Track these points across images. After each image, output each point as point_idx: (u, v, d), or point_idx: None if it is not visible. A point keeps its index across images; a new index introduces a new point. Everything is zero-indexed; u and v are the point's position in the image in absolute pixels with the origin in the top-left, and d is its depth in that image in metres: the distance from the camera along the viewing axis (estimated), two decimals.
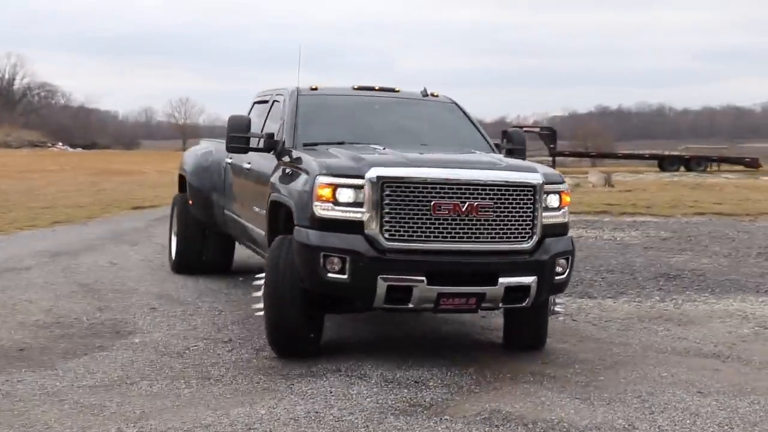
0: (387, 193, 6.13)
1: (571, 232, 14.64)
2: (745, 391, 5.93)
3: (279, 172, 7.12)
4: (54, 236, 13.47)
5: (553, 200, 6.57)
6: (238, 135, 7.53)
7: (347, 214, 6.18)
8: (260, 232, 7.61)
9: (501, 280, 6.23)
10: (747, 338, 7.61)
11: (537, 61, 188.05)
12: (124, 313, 8.01)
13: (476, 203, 6.20)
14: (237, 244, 9.95)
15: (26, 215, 16.37)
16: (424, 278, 6.10)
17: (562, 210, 6.64)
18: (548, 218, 6.49)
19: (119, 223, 15.66)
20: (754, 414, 5.48)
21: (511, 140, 8.04)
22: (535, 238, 6.39)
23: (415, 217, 6.15)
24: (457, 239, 6.20)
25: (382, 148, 7.04)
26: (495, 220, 6.28)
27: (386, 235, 6.13)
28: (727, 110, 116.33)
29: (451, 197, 6.17)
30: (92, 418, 5.16)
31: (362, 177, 6.16)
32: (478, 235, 6.25)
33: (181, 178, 10.43)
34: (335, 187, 6.20)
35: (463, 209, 6.17)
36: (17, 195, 21.43)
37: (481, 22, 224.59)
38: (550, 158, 46.69)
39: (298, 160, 6.85)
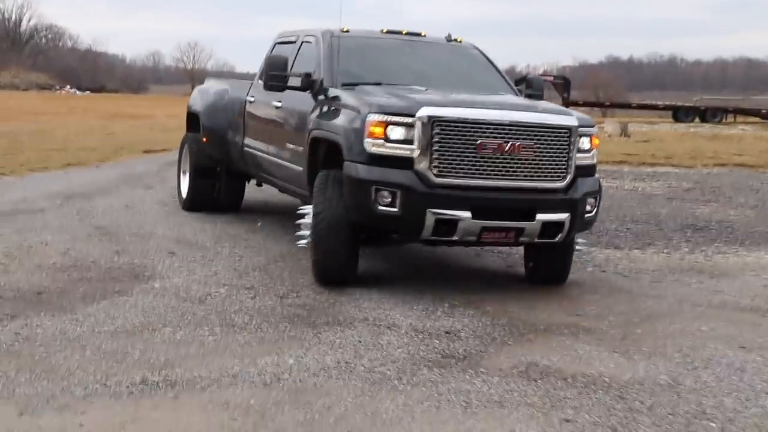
0: (437, 131, 6.47)
1: None
2: None
3: (319, 110, 7.44)
4: (67, 178, 13.24)
5: (585, 143, 6.96)
6: (277, 73, 7.93)
7: (398, 151, 6.52)
8: (296, 167, 7.88)
9: (538, 216, 6.65)
10: None
11: (546, 10, 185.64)
12: (142, 258, 7.81)
13: (518, 143, 6.56)
14: (248, 183, 10.35)
15: (37, 157, 16.14)
16: (469, 212, 6.49)
17: (593, 152, 7.05)
18: (580, 159, 6.89)
19: (132, 166, 15.42)
20: None
21: (531, 86, 8.41)
22: (569, 177, 6.79)
23: (462, 154, 6.51)
24: (499, 177, 6.58)
25: (424, 88, 7.41)
26: (534, 160, 6.64)
27: (435, 171, 6.48)
28: (739, 62, 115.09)
29: (496, 137, 6.53)
30: (116, 365, 4.98)
31: (413, 116, 6.48)
32: (518, 173, 6.61)
33: (192, 117, 10.56)
34: (387, 124, 6.52)
35: (506, 148, 6.54)
36: (27, 137, 21.18)
37: None
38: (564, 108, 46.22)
39: (344, 98, 7.15)
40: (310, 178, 7.35)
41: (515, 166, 6.59)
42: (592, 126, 7.11)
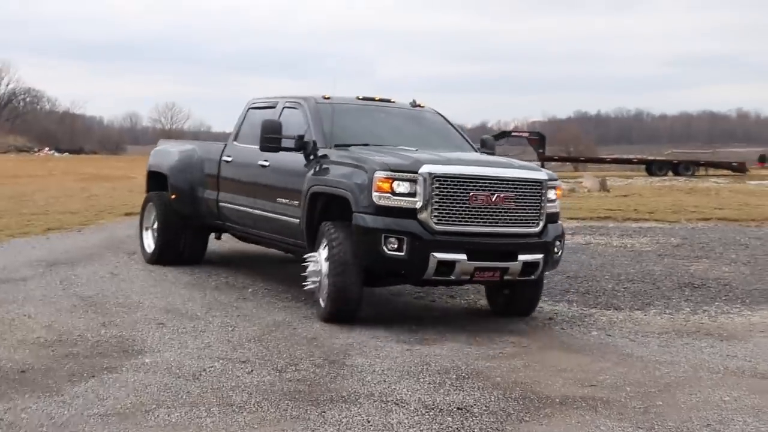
0: (436, 185, 7.39)
1: (578, 239, 14.20)
2: None
3: (316, 168, 8.27)
4: (49, 244, 12.76)
5: (551, 194, 8.00)
6: (273, 136, 8.63)
7: (402, 203, 7.40)
8: (290, 219, 8.60)
9: (520, 257, 7.64)
10: None
11: (516, 67, 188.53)
12: (130, 330, 7.36)
13: (502, 195, 7.56)
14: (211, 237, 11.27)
15: (18, 221, 15.64)
16: (465, 255, 7.40)
17: (557, 201, 8.12)
18: (549, 208, 7.93)
19: (114, 230, 14.94)
20: None
21: (485, 145, 9.64)
22: (541, 223, 7.83)
23: (457, 205, 7.45)
24: (487, 224, 7.56)
25: (414, 149, 8.36)
26: (515, 209, 7.65)
27: (435, 220, 7.40)
28: (703, 115, 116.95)
29: (484, 190, 7.52)
30: None
31: (416, 172, 7.39)
32: (502, 221, 7.62)
33: (156, 176, 11.25)
34: (393, 180, 7.40)
35: (493, 200, 7.53)
36: (6, 200, 20.66)
37: (460, 29, 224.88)
38: (539, 162, 46.33)
39: (344, 157, 8.02)
40: (309, 228, 8.17)
41: (500, 214, 7.58)
42: (557, 180, 8.21)
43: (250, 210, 9.50)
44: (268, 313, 8.21)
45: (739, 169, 46.63)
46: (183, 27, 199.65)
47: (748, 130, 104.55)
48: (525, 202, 7.70)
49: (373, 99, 9.65)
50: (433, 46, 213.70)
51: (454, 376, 6.21)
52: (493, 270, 7.57)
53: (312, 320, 7.94)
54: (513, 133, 51.17)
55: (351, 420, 5.23)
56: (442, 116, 9.92)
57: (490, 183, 7.54)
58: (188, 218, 10.69)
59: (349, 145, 8.43)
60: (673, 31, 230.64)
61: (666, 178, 42.55)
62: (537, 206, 7.76)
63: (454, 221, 7.42)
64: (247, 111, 10.28)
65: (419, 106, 9.93)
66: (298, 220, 8.42)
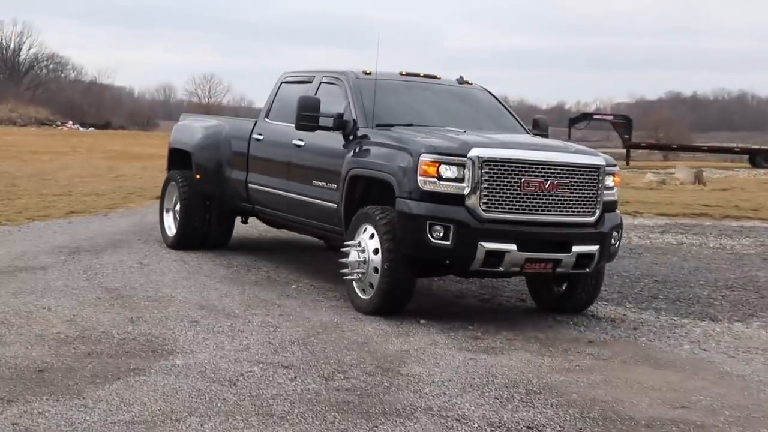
0: (486, 170, 7.61)
1: (669, 238, 14.08)
2: None
3: (356, 150, 8.56)
4: (71, 229, 13.02)
5: (609, 180, 8.22)
6: (310, 114, 8.86)
7: (449, 189, 7.63)
8: (327, 204, 8.94)
9: (574, 248, 7.87)
10: None
11: (600, 41, 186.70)
12: (160, 327, 7.46)
13: (556, 181, 7.79)
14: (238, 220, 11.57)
15: (38, 203, 15.99)
16: (515, 245, 7.64)
17: (615, 189, 8.37)
18: (606, 196, 8.15)
19: (144, 215, 15.18)
20: None
21: (537, 126, 9.82)
22: (598, 212, 8.05)
23: (508, 191, 7.68)
24: (540, 212, 7.79)
25: (462, 130, 8.56)
26: (569, 196, 7.88)
27: (484, 207, 7.63)
28: None
29: (537, 176, 7.74)
30: None
31: (465, 156, 7.62)
32: (556, 209, 7.84)
33: (178, 154, 11.60)
34: (439, 164, 7.63)
35: (546, 186, 7.75)
36: (26, 179, 21.14)
37: None
38: (624, 150, 45.87)
39: (387, 138, 8.31)
40: (347, 213, 8.48)
41: (553, 202, 7.81)
42: (615, 165, 8.43)
43: (283, 193, 9.80)
44: (314, 313, 8.26)
45: None
46: None
47: None
48: (581, 190, 7.94)
49: (417, 75, 9.90)
50: (503, 16, 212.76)
51: (524, 391, 6.18)
52: (545, 261, 7.82)
53: (363, 322, 7.97)
54: (595, 116, 50.87)
55: None
56: (492, 94, 10.22)
57: (543, 168, 7.78)
58: (214, 200, 11.06)
59: (392, 125, 8.71)
60: None
61: None
62: (593, 194, 7.99)
63: (504, 209, 7.67)
64: (280, 85, 10.57)
65: (467, 83, 10.18)
66: (335, 205, 8.75)
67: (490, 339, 7.64)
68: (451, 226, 7.56)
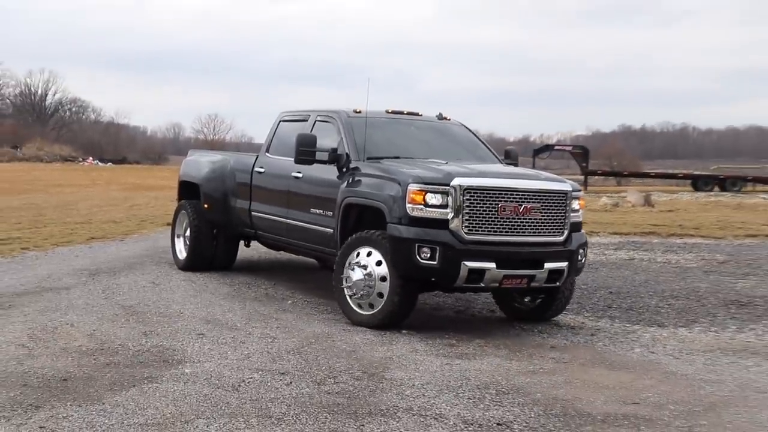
0: (467, 197, 7.68)
1: (622, 254, 14.06)
2: None
3: (349, 180, 8.61)
4: (92, 253, 12.96)
5: (575, 204, 8.32)
6: (308, 149, 8.95)
7: (435, 214, 7.69)
8: (323, 229, 8.95)
9: (546, 264, 7.94)
10: None
11: (559, 80, 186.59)
12: (171, 340, 7.43)
13: (529, 205, 7.88)
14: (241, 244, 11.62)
15: (62, 231, 15.90)
16: (494, 263, 7.69)
17: (580, 211, 8.45)
18: (573, 217, 8.26)
19: (156, 240, 15.13)
20: None
21: (509, 156, 9.95)
22: (566, 232, 8.14)
23: (487, 215, 7.75)
24: (515, 233, 7.85)
25: (444, 161, 8.59)
26: (541, 219, 7.95)
27: (466, 230, 7.69)
28: (750, 130, 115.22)
29: (512, 201, 7.82)
30: None
31: (448, 185, 7.69)
32: (529, 230, 7.91)
33: (188, 186, 11.66)
34: (425, 192, 7.70)
35: (520, 210, 7.83)
36: (51, 209, 21.02)
37: (501, 42, 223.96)
38: (582, 177, 45.96)
39: (378, 170, 8.34)
40: (342, 238, 8.48)
41: (527, 224, 7.87)
42: (580, 191, 8.53)
43: (283, 219, 9.81)
44: (308, 325, 8.24)
45: None
46: (226, 39, 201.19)
47: None
48: (551, 213, 8.01)
49: (401, 112, 9.93)
50: (475, 59, 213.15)
51: (494, 392, 6.17)
52: (521, 277, 7.85)
53: (351, 332, 7.95)
54: (556, 147, 50.95)
55: None
56: (468, 128, 10.26)
57: (517, 194, 7.84)
58: (221, 226, 11.08)
59: (381, 158, 8.74)
60: (720, 45, 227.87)
61: (712, 193, 42.00)
62: (562, 216, 8.08)
63: (484, 231, 7.72)
64: (279, 123, 10.59)
65: (445, 118, 10.24)
66: (331, 230, 8.77)
67: (464, 346, 7.63)
68: (437, 248, 7.59)
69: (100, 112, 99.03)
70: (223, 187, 11.02)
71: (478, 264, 7.64)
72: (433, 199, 7.68)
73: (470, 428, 5.36)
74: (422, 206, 7.69)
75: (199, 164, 11.63)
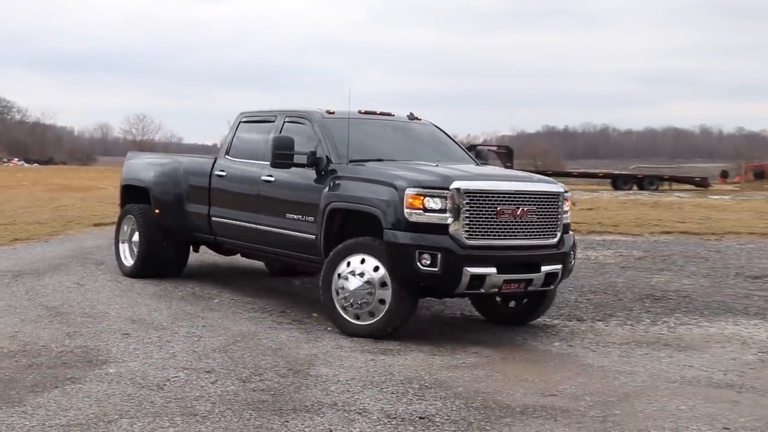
0: (466, 201, 7.36)
1: None
2: None
3: (333, 184, 8.16)
4: (15, 255, 12.65)
5: (565, 205, 8.09)
6: (285, 152, 8.46)
7: (434, 219, 7.34)
8: (303, 235, 8.43)
9: (543, 268, 7.72)
10: (754, 365, 7.14)
11: (484, 82, 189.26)
12: (95, 340, 7.31)
13: (526, 208, 7.63)
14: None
15: None
16: (495, 268, 7.42)
17: (569, 213, 8.24)
18: (564, 219, 8.05)
19: (82, 240, 14.83)
20: None
21: (480, 156, 9.67)
22: (559, 234, 7.91)
23: (486, 219, 7.45)
24: (512, 237, 7.60)
25: (433, 164, 8.30)
26: (536, 221, 7.71)
27: (466, 235, 7.36)
28: (667, 131, 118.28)
29: (510, 204, 7.56)
30: None
31: (447, 188, 7.36)
32: (525, 233, 7.67)
33: (132, 190, 11.11)
34: (424, 196, 7.35)
35: (517, 213, 7.57)
36: None
37: (430, 44, 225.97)
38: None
39: (366, 174, 7.99)
40: (327, 244, 8.04)
41: (523, 227, 7.63)
42: (568, 191, 8.34)
43: (252, 225, 9.22)
44: (234, 323, 8.19)
45: (701, 184, 47.13)
46: (154, 40, 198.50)
47: (711, 146, 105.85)
48: (545, 215, 7.79)
49: (374, 112, 9.49)
50: (404, 60, 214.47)
51: (417, 386, 6.22)
52: (519, 282, 7.63)
53: (278, 330, 7.93)
54: (480, 147, 51.37)
55: (313, 429, 5.22)
56: (439, 128, 9.88)
57: (515, 197, 7.60)
58: (172, 232, 10.51)
59: (364, 161, 8.34)
60: (638, 49, 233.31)
61: (631, 192, 42.94)
62: (555, 218, 7.87)
63: (484, 235, 7.43)
64: (239, 125, 10.00)
65: (417, 118, 9.82)
66: (313, 236, 8.28)
67: (388, 342, 7.65)
68: (438, 254, 7.25)
69: (25, 112, 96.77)
70: (175, 191, 10.41)
71: (480, 269, 7.35)
72: (432, 203, 7.34)
73: (393, 422, 5.39)
74: (421, 211, 7.34)
75: (148, 167, 10.94)
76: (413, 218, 7.35)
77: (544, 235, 7.78)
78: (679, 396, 6.11)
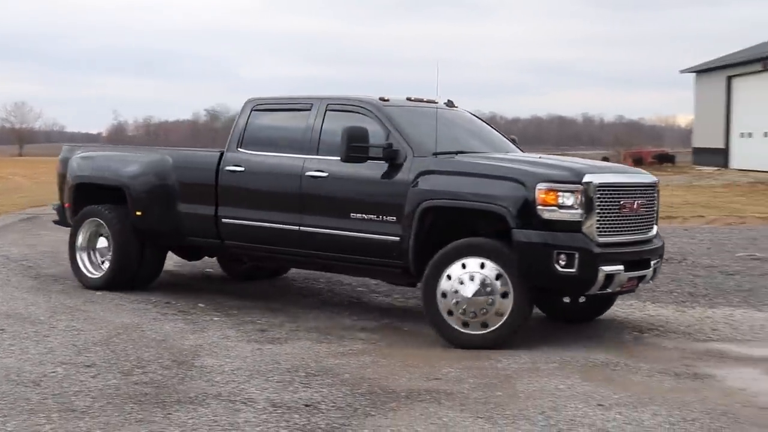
0: (597, 195, 6.96)
1: None
2: (644, 403, 5.66)
3: (418, 180, 7.45)
4: None
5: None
6: (359, 145, 7.62)
7: (567, 216, 6.88)
8: (381, 237, 7.62)
9: (652, 262, 7.45)
10: (628, 344, 7.43)
11: (376, 70, 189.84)
12: None
13: (640, 201, 7.35)
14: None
15: None
16: (622, 266, 7.04)
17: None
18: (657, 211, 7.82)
19: None
20: (660, 427, 5.20)
21: (515, 143, 9.05)
22: (656, 227, 7.70)
23: (613, 215, 7.10)
24: (631, 232, 7.30)
25: (537, 156, 8.08)
26: (645, 214, 7.45)
27: (598, 232, 6.95)
28: (552, 119, 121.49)
29: (631, 197, 7.27)
30: None
31: (579, 183, 6.91)
32: (638, 227, 7.38)
33: (96, 189, 9.59)
34: (557, 192, 6.86)
35: (635, 207, 7.28)
36: None
37: (321, 32, 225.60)
38: None
39: (484, 168, 7.35)
40: (419, 247, 7.38)
41: (637, 221, 7.36)
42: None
43: (292, 227, 8.19)
44: (117, 316, 8.00)
45: None
46: (32, 24, 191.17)
47: (593, 133, 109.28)
48: (650, 207, 7.55)
49: (421, 100, 8.71)
50: (295, 48, 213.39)
51: (303, 374, 6.21)
52: (636, 279, 7.31)
53: (162, 322, 7.79)
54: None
55: (197, 421, 5.15)
56: (476, 116, 9.35)
57: (634, 190, 7.37)
58: (155, 236, 9.29)
59: (446, 153, 7.66)
60: (523, 39, 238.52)
61: None
62: (655, 210, 7.67)
63: (611, 232, 7.08)
64: (251, 113, 8.86)
65: (455, 106, 9.08)
66: (395, 238, 7.51)
67: (275, 331, 7.64)
68: (576, 254, 6.77)
69: None
70: (161, 190, 9.07)
71: (612, 268, 6.94)
72: (566, 199, 6.85)
73: (279, 411, 5.37)
74: (554, 208, 6.84)
75: (119, 162, 9.54)
76: (547, 215, 6.85)
77: (648, 228, 7.53)
78: (559, 376, 6.29)
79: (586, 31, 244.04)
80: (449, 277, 7.14)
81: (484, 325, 7.07)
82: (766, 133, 41.07)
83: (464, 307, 7.05)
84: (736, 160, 43.44)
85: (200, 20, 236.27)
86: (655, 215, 7.65)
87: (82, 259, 9.51)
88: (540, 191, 6.87)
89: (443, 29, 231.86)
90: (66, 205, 9.82)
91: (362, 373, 6.29)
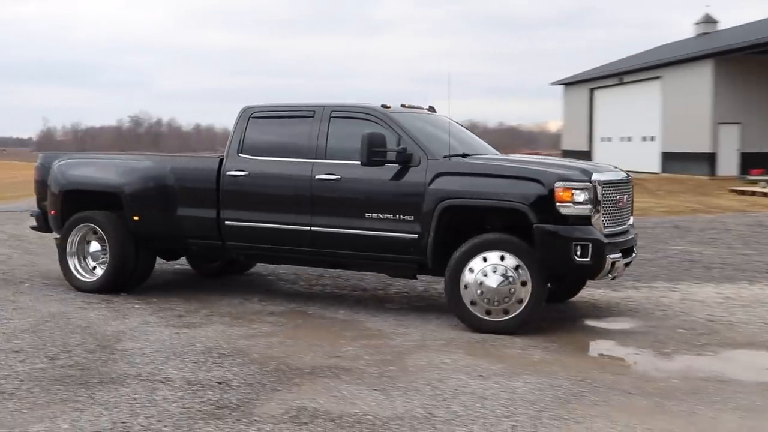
0: (603, 192, 7.14)
1: None
2: (518, 373, 5.82)
3: (434, 180, 7.35)
4: None
5: None
6: (378, 149, 7.45)
7: (580, 211, 7.00)
8: (398, 235, 7.45)
9: (634, 249, 7.75)
10: None
11: (282, 81, 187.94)
12: None
13: (626, 196, 7.67)
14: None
15: None
16: (620, 254, 7.22)
17: None
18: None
19: None
20: (531, 393, 5.35)
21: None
22: (632, 219, 7.92)
23: (612, 208, 7.32)
24: (622, 223, 7.58)
25: (543, 158, 8.27)
26: (628, 207, 7.74)
27: (603, 224, 7.14)
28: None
29: (622, 192, 7.56)
30: None
31: (589, 181, 7.07)
32: (624, 219, 7.65)
33: (86, 196, 8.87)
34: (572, 190, 7.00)
35: (624, 200, 7.58)
36: None
37: (232, 46, 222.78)
38: None
39: (504, 169, 7.32)
40: (438, 244, 7.32)
41: (624, 213, 7.63)
42: None
43: (302, 227, 7.88)
44: (45, 305, 7.75)
45: None
46: None
47: (480, 137, 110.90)
48: (630, 201, 7.84)
49: (413, 107, 8.61)
50: (205, 61, 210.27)
51: (217, 355, 6.16)
52: (626, 264, 7.48)
53: (87, 310, 7.59)
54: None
55: (119, 399, 5.06)
56: (454, 120, 9.13)
57: (623, 186, 7.60)
58: (152, 240, 8.72)
59: (455, 156, 7.63)
60: (416, 53, 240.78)
61: None
62: (631, 203, 7.87)
63: (611, 223, 7.28)
64: (249, 119, 8.42)
65: (435, 111, 9.00)
66: (413, 235, 7.37)
67: (192, 316, 7.53)
68: (590, 244, 6.89)
69: None
70: (160, 195, 8.50)
71: (614, 256, 7.09)
72: (579, 196, 6.97)
73: (193, 388, 5.31)
74: (570, 204, 6.94)
75: (112, 168, 8.85)
76: (563, 211, 6.95)
77: (628, 219, 7.77)
78: (445, 351, 6.40)
79: (466, 45, 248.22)
80: (471, 270, 7.13)
81: (506, 312, 7.07)
82: (622, 137, 42.64)
83: (488, 296, 7.06)
84: (599, 161, 44.86)
85: (116, 35, 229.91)
86: (631, 207, 7.89)
87: (74, 264, 8.85)
88: (558, 189, 6.96)
89: (344, 43, 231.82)
90: (52, 212, 9.01)
91: (270, 353, 6.27)
